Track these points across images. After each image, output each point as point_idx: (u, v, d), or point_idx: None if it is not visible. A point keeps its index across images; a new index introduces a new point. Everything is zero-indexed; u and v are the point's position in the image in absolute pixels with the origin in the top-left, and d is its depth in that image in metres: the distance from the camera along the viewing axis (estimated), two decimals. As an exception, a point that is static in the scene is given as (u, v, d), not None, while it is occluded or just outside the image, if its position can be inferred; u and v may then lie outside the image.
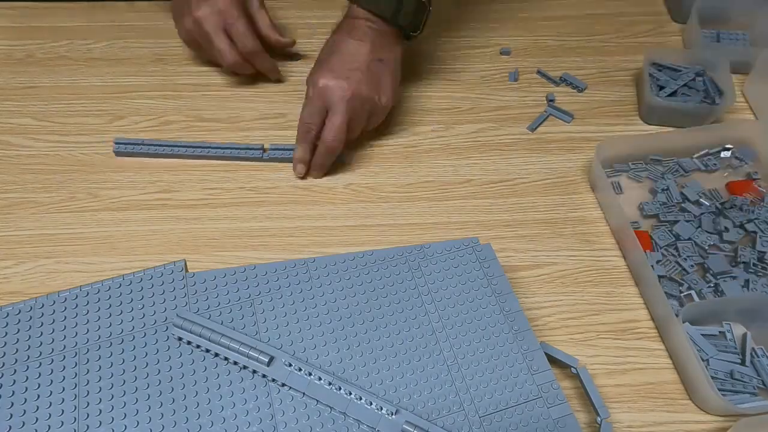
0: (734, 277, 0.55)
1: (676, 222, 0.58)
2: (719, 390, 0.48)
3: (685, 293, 0.54)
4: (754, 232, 0.57)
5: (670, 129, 0.67)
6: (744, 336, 0.52)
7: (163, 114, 0.69)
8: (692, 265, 0.55)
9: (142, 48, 0.75)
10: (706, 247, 0.56)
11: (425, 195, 0.62)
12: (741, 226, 0.58)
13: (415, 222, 0.60)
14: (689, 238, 0.57)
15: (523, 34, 0.78)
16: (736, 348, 0.51)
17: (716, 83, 0.68)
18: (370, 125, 0.63)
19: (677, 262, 0.56)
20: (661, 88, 0.68)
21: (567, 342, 0.52)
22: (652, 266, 0.54)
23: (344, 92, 0.58)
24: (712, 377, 0.49)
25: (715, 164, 0.63)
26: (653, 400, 0.49)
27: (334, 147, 0.60)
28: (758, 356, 0.50)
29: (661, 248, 0.57)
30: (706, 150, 0.64)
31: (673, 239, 0.57)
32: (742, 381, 0.49)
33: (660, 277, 0.54)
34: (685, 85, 0.68)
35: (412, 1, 0.61)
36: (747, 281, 0.55)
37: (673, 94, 0.68)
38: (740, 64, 0.70)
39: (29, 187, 0.62)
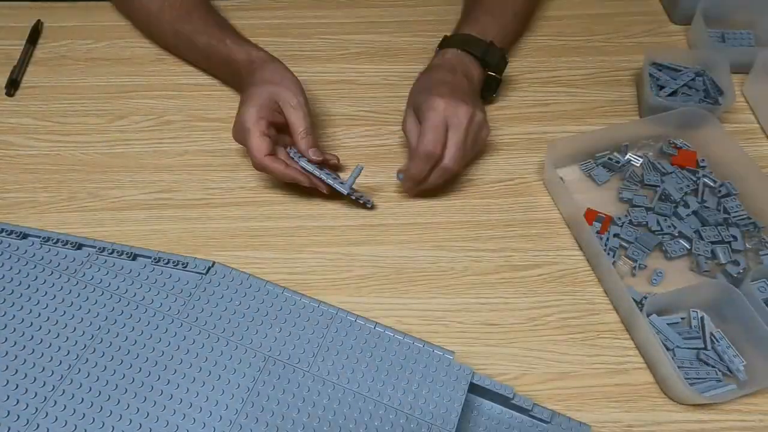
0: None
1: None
2: (688, 379, 0.48)
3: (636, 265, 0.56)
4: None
5: (624, 121, 0.68)
6: (701, 320, 0.52)
7: (164, 114, 0.69)
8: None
9: (142, 48, 0.75)
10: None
11: (425, 194, 0.62)
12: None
13: (416, 222, 0.60)
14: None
15: (523, 34, 0.78)
16: (699, 334, 0.52)
17: (716, 83, 0.68)
18: (477, 146, 0.61)
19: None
20: (661, 87, 0.68)
21: (567, 341, 0.52)
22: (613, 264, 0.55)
23: (467, 115, 0.57)
24: (680, 367, 0.49)
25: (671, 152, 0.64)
26: (653, 399, 0.49)
27: (455, 170, 0.58)
28: (717, 340, 0.51)
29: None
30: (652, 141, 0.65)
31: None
32: (707, 365, 0.50)
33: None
34: (685, 84, 0.68)
35: (496, 51, 0.65)
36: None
37: (673, 93, 0.68)
38: (745, 63, 0.70)
39: (29, 187, 0.62)
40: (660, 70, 0.70)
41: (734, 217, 0.58)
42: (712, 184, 0.61)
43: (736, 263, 0.55)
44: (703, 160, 0.62)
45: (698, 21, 0.73)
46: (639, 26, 0.79)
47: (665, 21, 0.80)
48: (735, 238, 0.56)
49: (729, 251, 0.56)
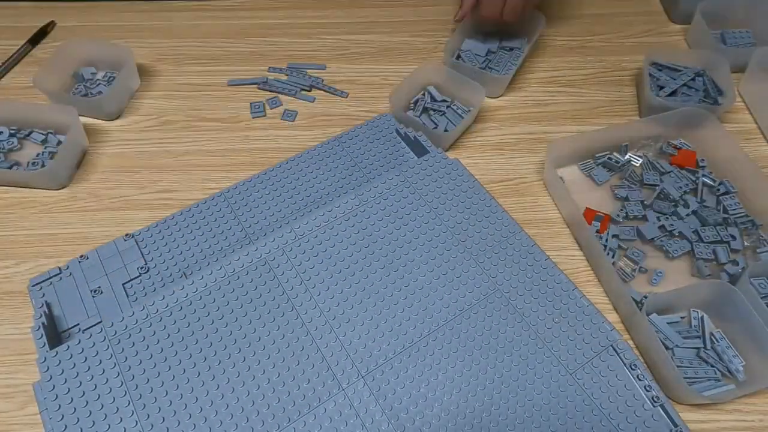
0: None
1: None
2: (687, 378, 0.48)
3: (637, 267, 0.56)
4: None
5: (624, 121, 0.68)
6: (701, 319, 0.52)
7: (164, 114, 0.69)
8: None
9: (142, 48, 0.75)
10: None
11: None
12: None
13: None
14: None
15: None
16: (699, 333, 0.52)
17: (716, 83, 0.68)
18: None
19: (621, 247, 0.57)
20: (661, 87, 0.68)
21: (567, 341, 0.52)
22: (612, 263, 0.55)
23: None
24: (679, 366, 0.49)
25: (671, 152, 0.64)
26: (653, 399, 0.49)
27: None
28: (717, 340, 0.51)
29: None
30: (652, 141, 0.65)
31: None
32: (706, 364, 0.50)
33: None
34: (684, 84, 0.68)
35: None
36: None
37: (672, 93, 0.68)
38: (745, 63, 0.70)
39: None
40: (660, 70, 0.70)
41: (733, 215, 0.58)
42: (711, 183, 0.61)
43: (735, 263, 0.55)
44: (702, 159, 0.62)
45: (698, 20, 0.73)
46: (639, 26, 0.79)
47: (665, 21, 0.80)
48: (734, 237, 0.56)
49: (728, 251, 0.56)
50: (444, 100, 0.68)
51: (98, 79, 0.71)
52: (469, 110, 0.66)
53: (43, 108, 0.64)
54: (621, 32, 0.78)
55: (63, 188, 0.62)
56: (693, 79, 0.69)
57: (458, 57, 0.72)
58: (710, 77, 0.69)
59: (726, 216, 0.58)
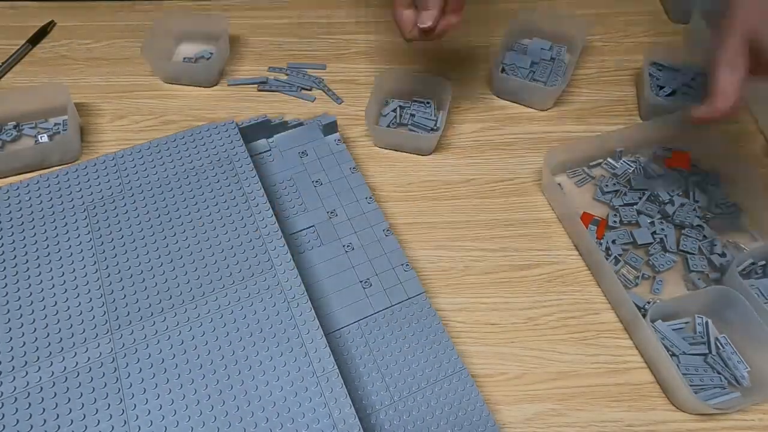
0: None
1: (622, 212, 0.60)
2: (692, 386, 0.48)
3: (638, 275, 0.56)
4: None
5: (624, 121, 0.68)
6: (706, 325, 0.52)
7: (164, 113, 0.69)
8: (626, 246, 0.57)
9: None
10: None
11: (425, 194, 0.62)
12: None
13: (416, 221, 0.60)
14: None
15: (523, 34, 0.78)
16: (704, 339, 0.52)
17: (716, 83, 0.68)
18: None
19: (619, 255, 0.57)
20: (661, 87, 0.68)
21: (567, 341, 0.52)
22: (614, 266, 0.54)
23: None
24: (684, 373, 0.49)
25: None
26: (653, 399, 0.49)
27: None
28: (722, 346, 0.51)
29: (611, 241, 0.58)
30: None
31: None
32: (713, 371, 0.49)
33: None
34: (684, 84, 0.68)
35: None
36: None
37: (672, 93, 0.68)
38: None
39: (29, 187, 0.62)
40: (660, 70, 0.70)
41: (720, 203, 0.59)
42: (699, 177, 0.61)
43: (723, 255, 0.55)
44: (698, 159, 0.62)
45: (696, 20, 0.73)
46: (639, 26, 0.79)
47: (665, 21, 0.80)
48: (714, 244, 0.56)
49: (720, 248, 0.56)
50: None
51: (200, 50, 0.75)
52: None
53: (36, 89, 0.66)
54: (621, 32, 0.78)
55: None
56: (693, 79, 0.69)
57: (503, 70, 0.71)
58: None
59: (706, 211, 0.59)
